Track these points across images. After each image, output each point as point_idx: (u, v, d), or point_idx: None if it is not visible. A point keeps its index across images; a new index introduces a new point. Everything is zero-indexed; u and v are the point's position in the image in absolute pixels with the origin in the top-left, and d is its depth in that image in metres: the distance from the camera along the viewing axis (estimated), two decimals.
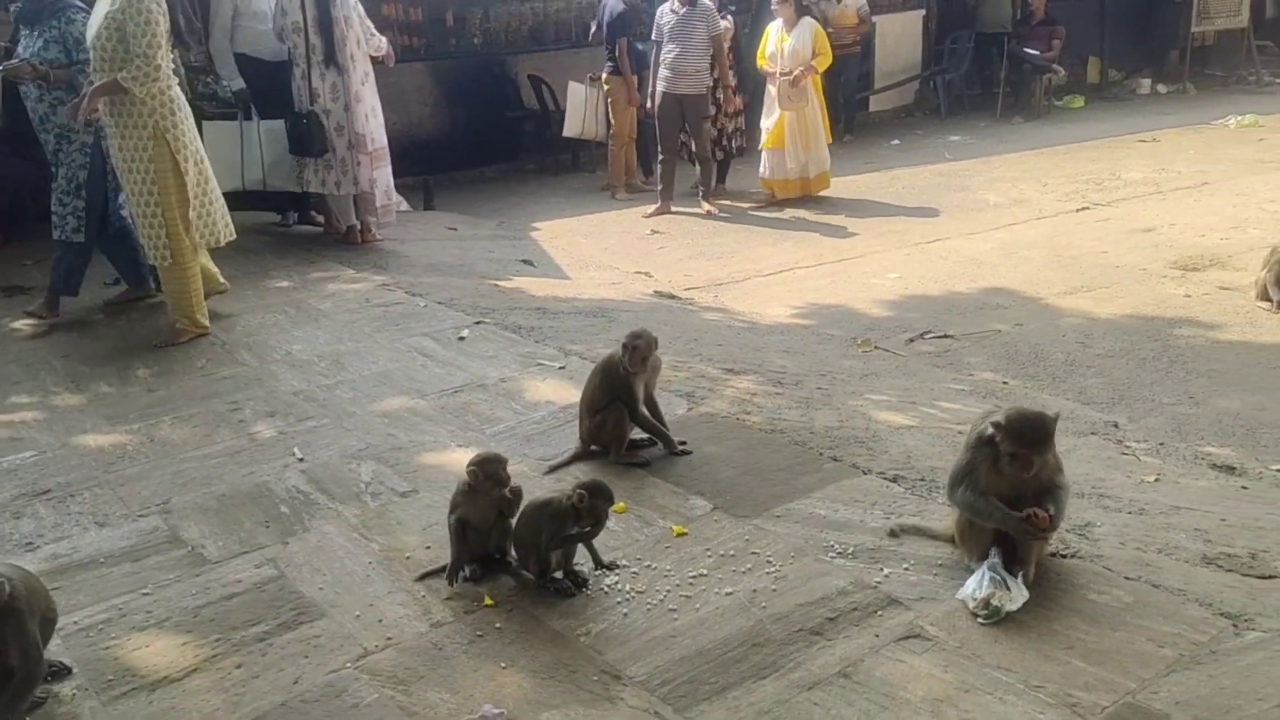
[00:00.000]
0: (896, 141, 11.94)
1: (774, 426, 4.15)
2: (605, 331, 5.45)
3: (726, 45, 9.12)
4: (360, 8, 6.93)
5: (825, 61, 9.17)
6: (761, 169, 9.38)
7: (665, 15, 8.85)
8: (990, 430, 2.89)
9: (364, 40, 6.90)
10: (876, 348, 5.82)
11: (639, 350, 3.75)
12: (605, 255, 7.90)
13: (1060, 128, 12.12)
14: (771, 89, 9.16)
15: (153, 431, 4.26)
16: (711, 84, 9.04)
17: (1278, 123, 11.49)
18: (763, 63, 9.20)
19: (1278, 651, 2.61)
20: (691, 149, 9.19)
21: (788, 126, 9.06)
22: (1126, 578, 2.96)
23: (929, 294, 6.80)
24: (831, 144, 9.61)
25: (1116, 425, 4.64)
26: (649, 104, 9.21)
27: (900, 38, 13.13)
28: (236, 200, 7.47)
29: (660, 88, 8.92)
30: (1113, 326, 5.98)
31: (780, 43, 9.05)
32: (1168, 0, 14.26)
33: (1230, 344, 5.60)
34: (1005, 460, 2.86)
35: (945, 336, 6.03)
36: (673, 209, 9.11)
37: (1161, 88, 14.02)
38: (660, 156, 9.21)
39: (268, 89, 7.01)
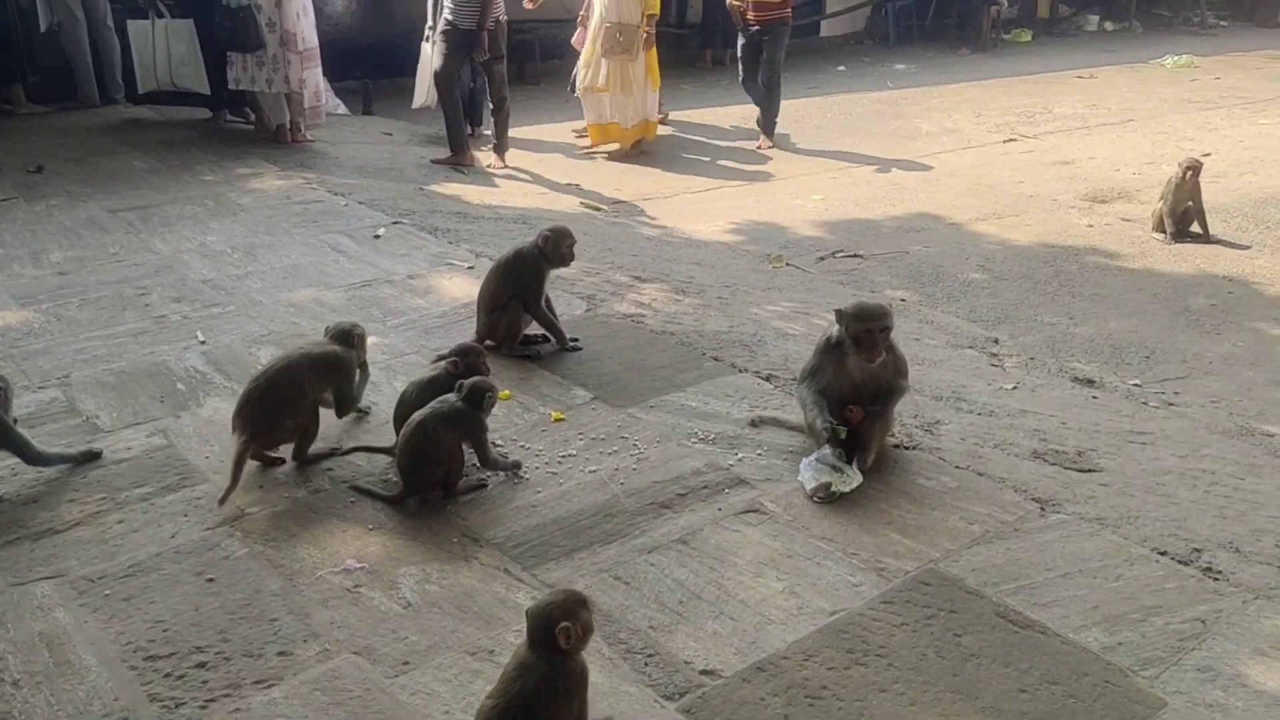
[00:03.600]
0: (842, 68, 12.01)
1: (665, 329, 4.34)
2: (523, 238, 5.57)
3: None
4: None
5: (655, 5, 8.03)
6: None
7: None
8: (835, 327, 3.11)
9: None
10: (788, 264, 6.01)
11: (562, 239, 3.93)
12: (539, 166, 7.97)
13: (1004, 61, 12.25)
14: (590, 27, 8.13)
15: (60, 311, 4.36)
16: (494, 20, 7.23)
17: (1212, 64, 11.70)
18: None
19: (1074, 531, 2.88)
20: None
21: (608, 73, 8.04)
22: (957, 466, 3.22)
23: (848, 216, 6.98)
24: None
25: (996, 341, 4.90)
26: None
27: None
28: (160, 98, 7.48)
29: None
30: (1014, 251, 6.22)
31: None
32: None
33: (1119, 270, 5.86)
34: (851, 345, 3.08)
35: (855, 256, 6.23)
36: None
37: (1109, 25, 14.16)
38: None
39: None
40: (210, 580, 2.68)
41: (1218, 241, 6.24)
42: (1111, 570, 2.70)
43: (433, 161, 7.43)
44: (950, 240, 6.49)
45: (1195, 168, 6.17)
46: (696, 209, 7.14)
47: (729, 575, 2.70)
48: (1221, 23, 14.35)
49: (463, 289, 4.65)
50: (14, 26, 7.73)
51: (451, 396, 3.03)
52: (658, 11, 8.17)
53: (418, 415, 3.01)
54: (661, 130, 8.89)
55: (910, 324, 4.96)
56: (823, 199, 7.36)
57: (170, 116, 7.82)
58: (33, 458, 3.11)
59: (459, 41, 7.15)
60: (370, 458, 3.27)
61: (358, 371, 3.37)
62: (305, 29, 6.95)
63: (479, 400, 3.02)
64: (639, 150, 8.42)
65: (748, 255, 6.13)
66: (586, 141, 8.52)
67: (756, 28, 8.38)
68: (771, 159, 8.35)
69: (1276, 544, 2.87)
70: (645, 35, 8.01)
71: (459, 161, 7.45)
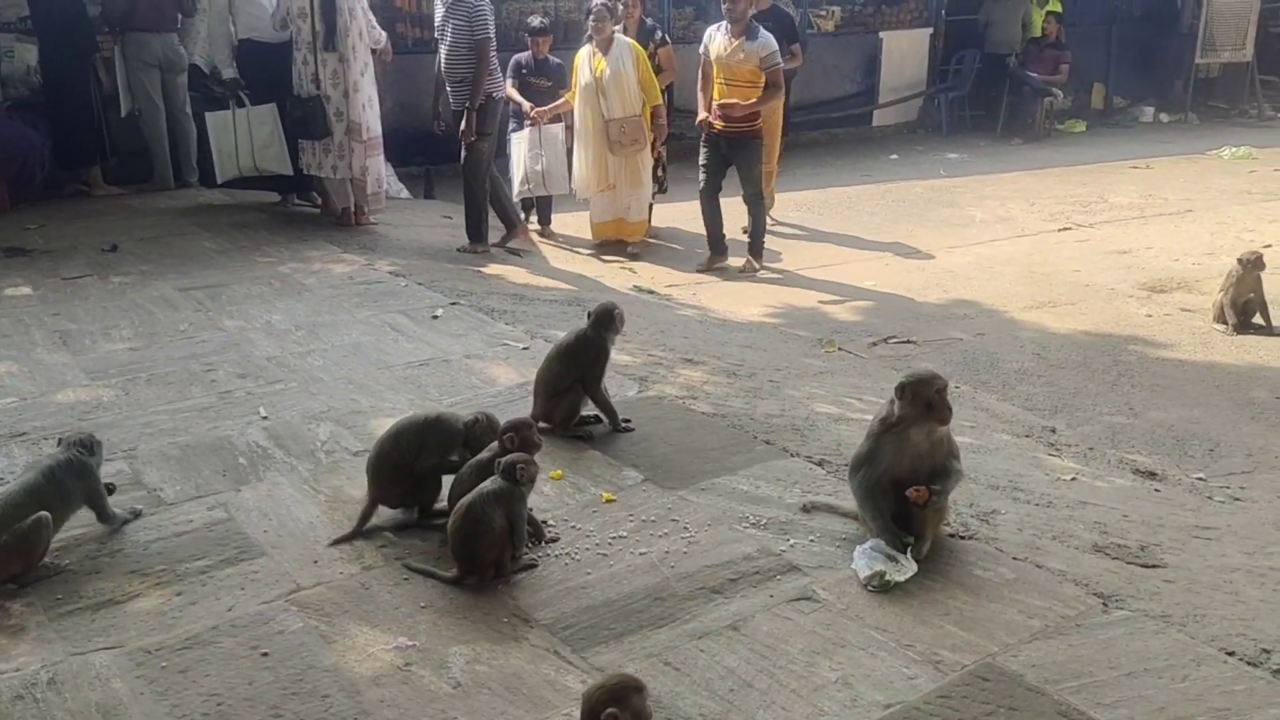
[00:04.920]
0: (895, 156, 12.12)
1: (717, 411, 4.35)
2: (577, 319, 5.65)
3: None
4: (365, 0, 7.19)
5: (654, 95, 7.63)
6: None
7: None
8: (890, 407, 3.10)
9: (366, 31, 7.16)
10: (840, 349, 6.02)
11: (615, 309, 4.01)
12: (578, 252, 8.09)
13: (1057, 151, 12.27)
14: (580, 126, 7.74)
15: (129, 386, 4.50)
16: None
17: (1271, 155, 11.60)
18: (572, 99, 7.73)
19: (1138, 628, 2.80)
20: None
21: (616, 170, 7.74)
22: (1014, 558, 3.16)
23: (901, 302, 6.99)
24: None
25: (1053, 430, 4.83)
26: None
27: (906, 54, 13.30)
28: (240, 184, 7.78)
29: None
30: (1070, 340, 6.16)
31: (596, 71, 7.50)
32: (1174, 30, 14.37)
33: (1179, 362, 5.77)
34: (921, 414, 3.04)
35: (907, 342, 6.22)
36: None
37: (1164, 116, 14.14)
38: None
39: (266, 73, 7.26)
40: (265, 654, 2.71)
41: None
42: (1178, 670, 2.62)
43: (458, 250, 7.23)
44: (1004, 328, 6.45)
45: (1256, 261, 6.10)
46: (748, 294, 7.19)
47: (781, 664, 2.66)
48: (1279, 114, 14.28)
49: (518, 370, 4.72)
50: (96, 112, 8.11)
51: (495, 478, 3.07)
52: (661, 101, 7.78)
53: (466, 498, 3.04)
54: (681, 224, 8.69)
55: (965, 411, 4.91)
56: (875, 284, 7.38)
57: (242, 200, 8.11)
58: (107, 517, 3.31)
59: (456, 122, 7.09)
60: (425, 534, 3.30)
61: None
62: (370, 119, 7.21)
63: (512, 473, 3.04)
64: (639, 249, 7.96)
65: (799, 339, 6.15)
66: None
67: (722, 138, 7.32)
68: (823, 245, 8.40)
69: None
70: (659, 125, 7.72)
71: (472, 250, 7.20)
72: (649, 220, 8.27)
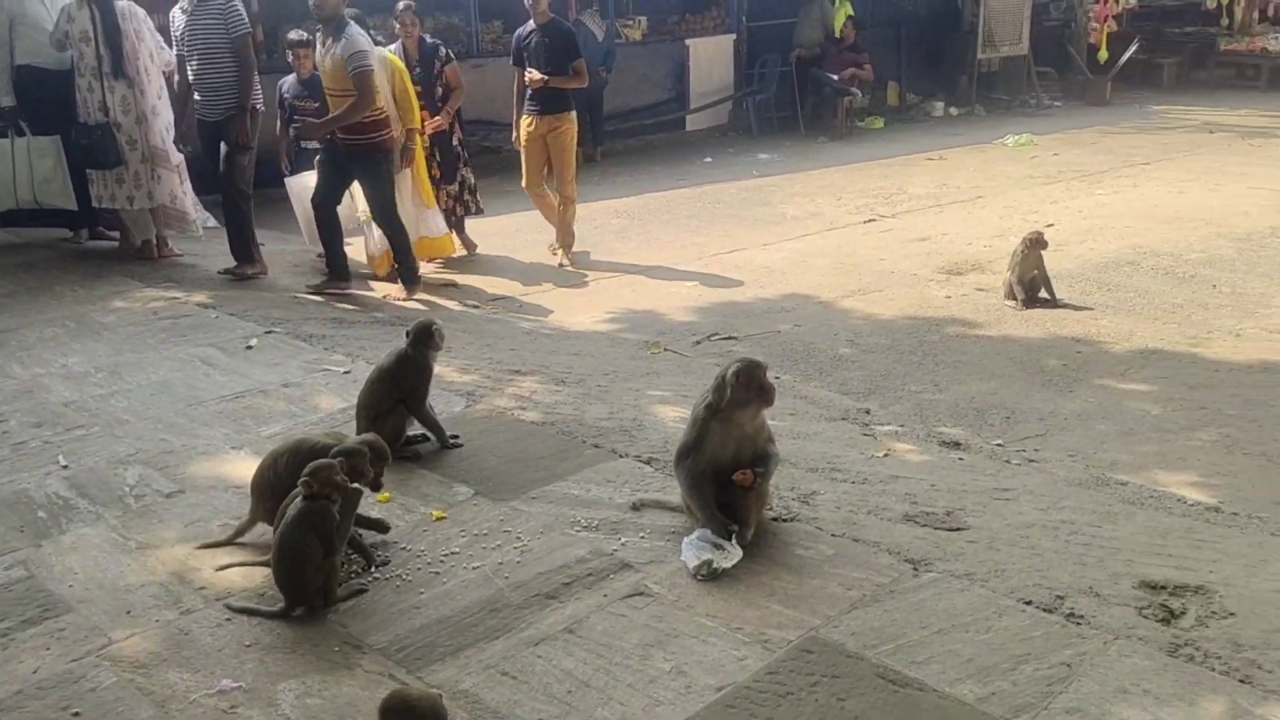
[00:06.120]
0: (709, 159, 12.46)
1: (546, 420, 4.38)
2: (400, 339, 5.57)
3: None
4: (150, 23, 6.86)
5: (409, 117, 6.80)
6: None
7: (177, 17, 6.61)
8: (709, 397, 3.20)
9: (155, 54, 6.83)
10: (666, 349, 6.14)
11: (437, 331, 3.98)
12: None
13: (860, 147, 12.90)
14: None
15: None
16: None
17: (1050, 141, 12.56)
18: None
19: (945, 588, 3.00)
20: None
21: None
22: (833, 535, 3.32)
23: (722, 300, 7.19)
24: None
25: (868, 411, 5.08)
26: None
27: (713, 60, 13.71)
28: (17, 218, 7.26)
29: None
30: (879, 325, 6.49)
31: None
32: (957, 29, 15.39)
33: (977, 338, 6.18)
34: (752, 399, 3.17)
35: (730, 338, 6.41)
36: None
37: (954, 110, 15.08)
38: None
39: (47, 100, 6.83)
40: (76, 715, 2.56)
41: (1064, 305, 6.64)
42: (982, 623, 2.81)
43: (219, 272, 6.87)
44: (820, 318, 6.74)
45: (1038, 240, 6.61)
46: (573, 301, 7.25)
47: (616, 660, 2.71)
48: (1055, 103, 15.46)
49: (339, 394, 4.61)
50: None
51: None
52: (418, 126, 7.06)
53: (279, 528, 2.95)
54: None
55: (785, 400, 5.08)
56: (697, 284, 7.57)
57: (30, 238, 7.59)
58: None
59: (213, 136, 6.56)
60: (247, 573, 3.18)
61: None
62: (171, 145, 6.89)
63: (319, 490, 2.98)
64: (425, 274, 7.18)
65: (626, 343, 6.24)
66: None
67: (341, 150, 6.36)
68: (644, 249, 8.55)
69: (1133, 586, 3.04)
70: (408, 150, 6.84)
71: (242, 272, 6.80)
72: (454, 240, 7.82)
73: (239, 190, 6.70)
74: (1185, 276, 7.07)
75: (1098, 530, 3.46)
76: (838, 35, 13.88)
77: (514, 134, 7.82)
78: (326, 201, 6.57)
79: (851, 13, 13.99)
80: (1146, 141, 12.41)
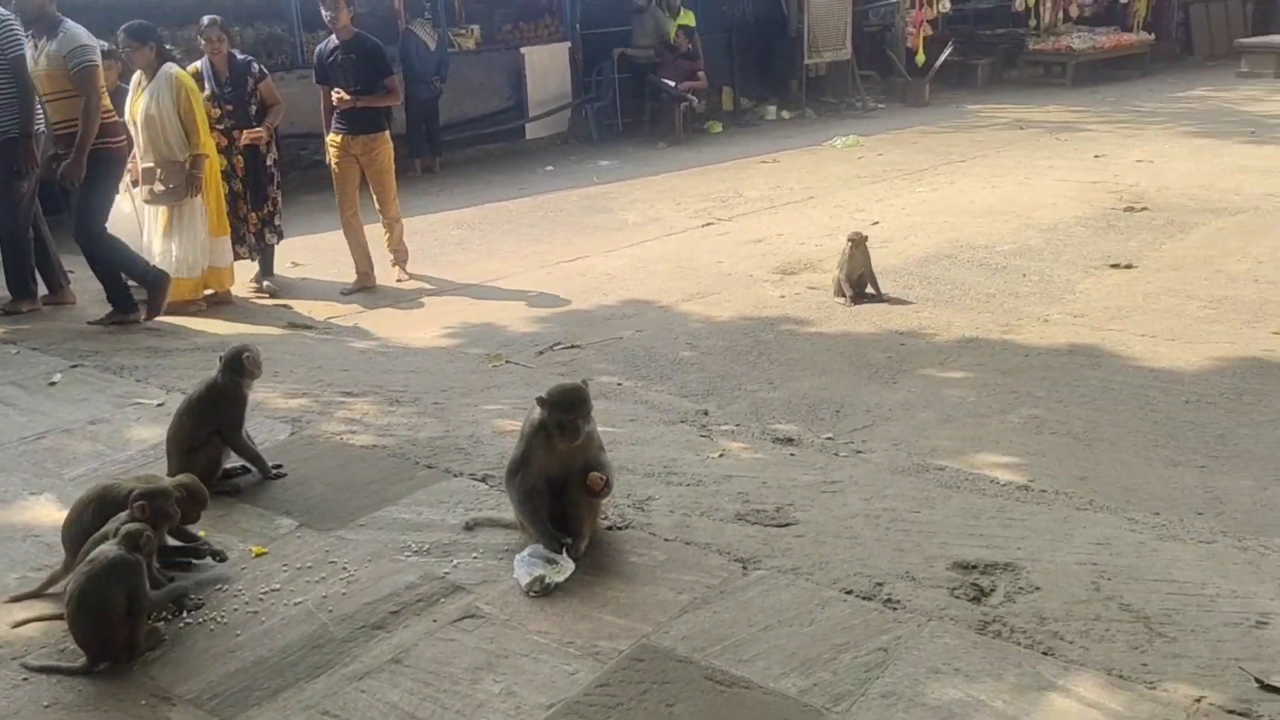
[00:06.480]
0: (550, 167, 12.45)
1: (378, 443, 4.26)
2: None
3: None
4: None
5: (197, 141, 6.42)
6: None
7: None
8: (537, 411, 3.18)
9: None
10: (508, 362, 6.08)
11: (250, 357, 3.79)
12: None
13: (698, 151, 13.14)
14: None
15: None
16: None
17: (875, 142, 13.09)
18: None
19: (773, 584, 3.06)
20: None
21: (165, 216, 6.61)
22: (666, 539, 3.34)
23: (565, 309, 7.18)
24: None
25: (706, 412, 5.15)
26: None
27: (549, 68, 13.71)
28: None
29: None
30: (718, 327, 6.60)
31: (132, 108, 6.42)
32: (784, 35, 15.89)
33: (809, 335, 6.36)
34: (556, 432, 3.15)
35: (573, 346, 6.40)
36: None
37: (785, 113, 15.54)
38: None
39: None
40: None
41: (889, 300, 6.91)
42: (806, 616, 2.88)
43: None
44: (660, 322, 6.80)
45: (859, 240, 6.86)
46: (412, 317, 7.11)
47: (445, 687, 2.65)
48: (879, 105, 16.12)
49: (150, 429, 4.38)
50: None
51: (110, 545, 2.82)
52: (208, 153, 6.61)
53: (77, 581, 2.77)
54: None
55: (626, 406, 5.14)
56: (540, 293, 7.53)
57: None
58: None
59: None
60: (46, 627, 2.97)
61: None
62: None
63: (135, 543, 2.81)
64: (205, 304, 6.83)
65: (466, 358, 6.15)
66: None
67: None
68: (485, 261, 8.46)
69: (946, 568, 3.17)
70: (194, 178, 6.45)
71: (16, 309, 6.24)
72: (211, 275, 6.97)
73: (13, 217, 6.12)
74: (998, 267, 7.46)
75: (916, 516, 3.60)
76: (671, 43, 14.10)
77: (326, 154, 7.54)
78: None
79: (692, 22, 14.22)
80: (963, 140, 13.06)
